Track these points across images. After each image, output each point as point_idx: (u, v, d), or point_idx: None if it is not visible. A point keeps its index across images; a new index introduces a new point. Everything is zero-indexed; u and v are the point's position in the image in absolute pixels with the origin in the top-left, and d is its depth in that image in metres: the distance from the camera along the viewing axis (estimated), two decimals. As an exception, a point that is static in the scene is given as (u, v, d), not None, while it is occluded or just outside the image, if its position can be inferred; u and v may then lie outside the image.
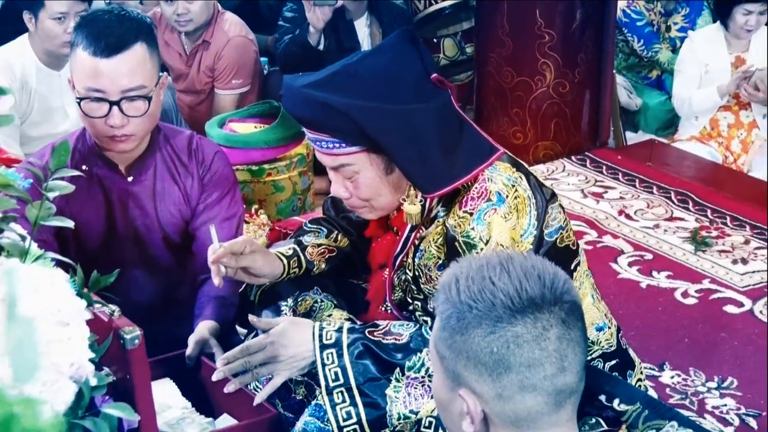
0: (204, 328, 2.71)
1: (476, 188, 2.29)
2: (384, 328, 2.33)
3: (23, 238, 1.71)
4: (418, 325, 2.38)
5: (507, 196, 2.28)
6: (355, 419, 2.23)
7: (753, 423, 3.09)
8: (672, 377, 3.30)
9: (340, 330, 2.30)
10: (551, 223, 2.37)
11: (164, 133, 2.86)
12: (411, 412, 2.23)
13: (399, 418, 2.24)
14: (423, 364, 2.28)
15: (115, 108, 2.64)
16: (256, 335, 2.47)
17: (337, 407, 2.24)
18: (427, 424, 2.27)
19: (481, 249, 2.25)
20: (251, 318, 2.46)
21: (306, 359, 2.31)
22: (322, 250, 2.64)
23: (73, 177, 2.69)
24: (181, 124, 4.68)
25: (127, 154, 2.77)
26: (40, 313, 1.52)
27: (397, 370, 2.26)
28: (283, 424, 2.36)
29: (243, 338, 2.54)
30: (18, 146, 3.92)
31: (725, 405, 3.17)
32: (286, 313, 2.56)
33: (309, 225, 2.70)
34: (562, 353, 1.47)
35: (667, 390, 3.22)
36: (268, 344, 2.32)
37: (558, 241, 2.38)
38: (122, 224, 2.85)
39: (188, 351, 2.58)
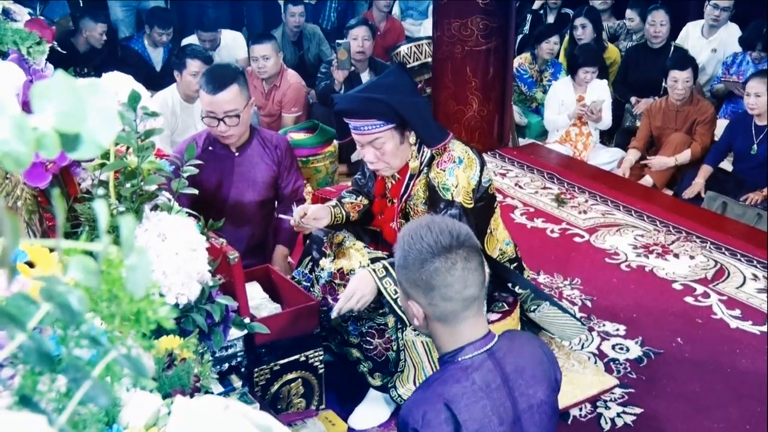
0: (280, 250, 2.82)
1: (446, 155, 2.28)
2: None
3: (169, 200, 1.69)
4: None
5: (464, 159, 2.27)
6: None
7: (589, 303, 3.08)
8: (544, 279, 3.28)
9: (384, 269, 2.18)
10: (485, 176, 2.33)
11: (258, 130, 2.84)
12: None
13: None
14: None
15: (221, 122, 2.60)
16: None
17: (395, 294, 2.14)
18: None
19: (453, 189, 2.23)
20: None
21: (373, 290, 2.18)
22: (354, 205, 2.54)
23: (201, 153, 2.70)
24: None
25: (234, 142, 2.73)
26: (180, 243, 1.49)
27: None
28: (320, 311, 2.30)
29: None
30: (169, 148, 3.85)
31: (574, 293, 3.15)
32: (326, 244, 2.48)
33: (346, 193, 2.60)
34: (465, 278, 1.43)
35: (542, 286, 3.20)
36: (353, 295, 2.17)
37: (488, 188, 2.35)
38: (228, 184, 2.78)
39: (276, 267, 2.61)
